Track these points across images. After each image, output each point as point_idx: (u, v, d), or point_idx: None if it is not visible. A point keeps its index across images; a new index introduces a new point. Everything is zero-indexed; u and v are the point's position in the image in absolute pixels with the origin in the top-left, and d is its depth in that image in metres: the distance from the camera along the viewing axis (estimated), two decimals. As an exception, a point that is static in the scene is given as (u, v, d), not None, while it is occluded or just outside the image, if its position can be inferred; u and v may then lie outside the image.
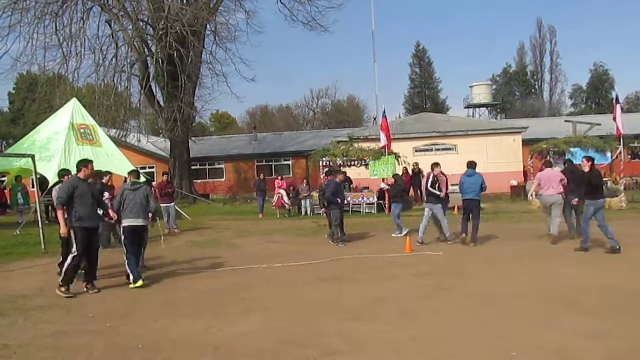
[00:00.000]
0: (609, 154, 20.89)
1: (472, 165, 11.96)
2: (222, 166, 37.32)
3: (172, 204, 16.14)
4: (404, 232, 13.21)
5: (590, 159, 10.69)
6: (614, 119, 19.97)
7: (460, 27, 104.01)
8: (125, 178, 11.32)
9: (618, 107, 20.18)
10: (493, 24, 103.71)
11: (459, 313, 6.44)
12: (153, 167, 35.30)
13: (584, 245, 10.40)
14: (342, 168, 19.63)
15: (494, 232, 13.22)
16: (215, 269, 9.94)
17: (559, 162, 20.08)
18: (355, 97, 69.39)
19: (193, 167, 32.79)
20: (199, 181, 34.72)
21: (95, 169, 8.77)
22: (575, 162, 21.26)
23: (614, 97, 23.61)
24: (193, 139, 32.21)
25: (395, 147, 21.74)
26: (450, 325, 5.94)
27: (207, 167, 37.14)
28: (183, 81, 26.52)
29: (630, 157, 30.17)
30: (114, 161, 17.52)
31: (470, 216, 11.84)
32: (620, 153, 20.90)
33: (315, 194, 21.68)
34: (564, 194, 11.64)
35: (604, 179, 23.07)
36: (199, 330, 6.06)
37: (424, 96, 66.30)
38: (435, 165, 12.30)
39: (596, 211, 10.20)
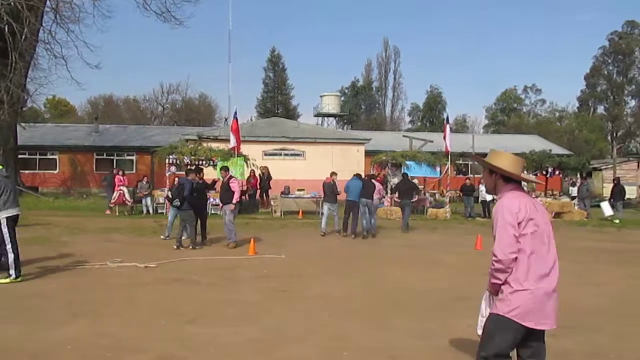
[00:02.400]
0: (438, 169, 23.00)
1: (357, 175, 14.98)
2: (56, 157, 34.23)
3: None
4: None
5: (372, 176, 16.45)
6: (444, 137, 22.09)
7: (314, 38, 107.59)
8: None
9: (447, 127, 22.42)
10: (345, 39, 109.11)
11: (296, 314, 6.59)
12: (-31, 153, 31.10)
13: (364, 232, 14.04)
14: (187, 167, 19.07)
15: (332, 237, 13.82)
16: (38, 269, 8.98)
17: (396, 173, 21.69)
18: (207, 95, 67.76)
19: (20, 156, 29.58)
20: (26, 172, 31.37)
21: None
22: (410, 174, 23.04)
23: (445, 117, 26.19)
24: (22, 124, 29.02)
25: (245, 149, 21.75)
26: (288, 327, 6.04)
27: (38, 156, 33.80)
28: (14, 59, 23.67)
29: (455, 172, 33.53)
30: None
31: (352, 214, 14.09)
32: (448, 168, 23.15)
33: (160, 192, 20.84)
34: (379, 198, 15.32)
35: (433, 191, 25.50)
36: (13, 337, 5.43)
37: (276, 101, 67.12)
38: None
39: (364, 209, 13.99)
